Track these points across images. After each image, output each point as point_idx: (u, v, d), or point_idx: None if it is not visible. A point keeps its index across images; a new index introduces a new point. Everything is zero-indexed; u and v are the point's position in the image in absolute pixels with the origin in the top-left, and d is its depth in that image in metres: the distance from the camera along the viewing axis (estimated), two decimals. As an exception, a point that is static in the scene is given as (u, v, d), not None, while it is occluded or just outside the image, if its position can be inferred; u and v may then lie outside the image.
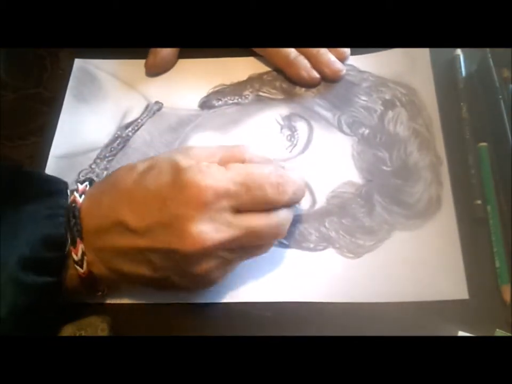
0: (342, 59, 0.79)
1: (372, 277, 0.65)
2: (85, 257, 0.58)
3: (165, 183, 0.57)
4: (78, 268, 0.58)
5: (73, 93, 0.81)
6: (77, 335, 0.57)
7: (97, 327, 0.59)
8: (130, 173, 0.60)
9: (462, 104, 0.73)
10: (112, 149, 0.76)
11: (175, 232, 0.55)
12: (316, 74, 0.78)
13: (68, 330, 0.58)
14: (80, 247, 0.58)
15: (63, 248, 0.58)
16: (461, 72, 0.76)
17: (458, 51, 0.78)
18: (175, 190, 0.56)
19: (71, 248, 0.58)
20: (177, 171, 0.57)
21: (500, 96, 0.71)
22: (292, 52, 0.78)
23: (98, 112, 0.80)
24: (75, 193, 0.61)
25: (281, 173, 0.61)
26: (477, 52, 0.76)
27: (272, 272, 0.66)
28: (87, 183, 0.63)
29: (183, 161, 0.58)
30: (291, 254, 0.67)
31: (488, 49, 0.75)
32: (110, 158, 0.75)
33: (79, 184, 0.62)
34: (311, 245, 0.68)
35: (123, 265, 0.58)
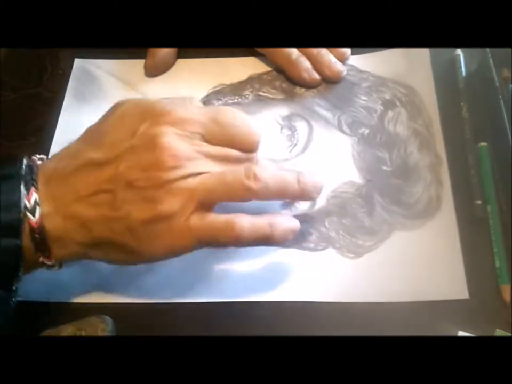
0: (343, 60, 0.80)
1: (372, 277, 0.65)
2: (39, 207, 0.56)
3: (133, 117, 0.58)
4: (30, 216, 0.55)
5: (73, 93, 0.81)
6: (77, 335, 0.58)
7: (97, 327, 0.59)
8: (93, 124, 0.62)
9: (462, 104, 0.73)
10: None
11: (144, 149, 0.56)
12: (316, 76, 0.78)
13: (68, 330, 0.58)
14: (34, 195, 0.56)
15: (19, 209, 0.56)
16: (461, 72, 0.76)
17: (458, 51, 0.78)
18: (144, 117, 0.58)
19: (25, 196, 0.56)
20: (143, 104, 0.60)
21: (500, 96, 0.71)
22: (294, 52, 0.78)
23: (98, 112, 0.77)
24: (33, 157, 0.60)
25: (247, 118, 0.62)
26: (477, 52, 0.77)
27: (272, 272, 0.67)
28: (44, 156, 0.63)
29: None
30: (291, 254, 0.67)
31: (488, 49, 0.75)
32: None
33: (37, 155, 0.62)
34: (311, 245, 0.68)
35: (82, 209, 0.57)
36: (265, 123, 0.77)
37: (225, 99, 0.80)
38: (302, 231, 0.68)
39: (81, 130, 0.75)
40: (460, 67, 0.77)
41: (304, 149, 0.74)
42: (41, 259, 0.58)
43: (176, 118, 0.57)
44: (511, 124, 0.69)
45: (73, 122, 0.79)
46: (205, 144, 0.58)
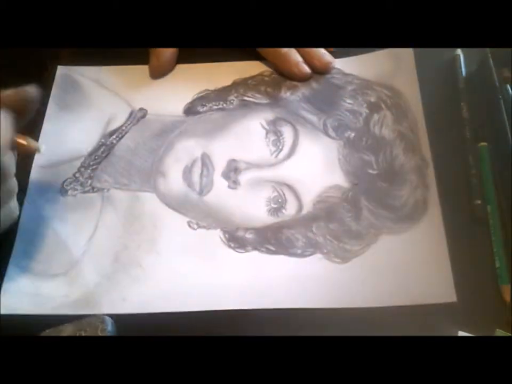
0: (332, 50, 0.87)
1: (360, 282, 0.71)
2: None
3: None
4: None
5: (56, 101, 0.88)
6: (77, 335, 0.64)
7: (97, 327, 0.65)
8: None
9: (462, 104, 0.80)
10: (96, 157, 0.83)
11: None
12: (306, 70, 0.86)
13: (68, 330, 0.65)
14: None
15: None
16: (461, 72, 0.83)
17: (458, 51, 0.85)
18: None
19: None
20: None
21: (500, 96, 0.77)
22: None
23: (82, 119, 0.87)
24: None
25: None
26: (477, 52, 0.83)
27: (260, 279, 0.73)
28: None
29: None
30: (278, 260, 0.74)
31: (488, 49, 0.82)
32: (94, 167, 0.82)
33: None
34: (298, 251, 0.74)
35: None
36: (250, 128, 0.84)
37: (210, 105, 0.87)
38: (289, 236, 0.75)
39: (64, 138, 0.84)
40: (460, 67, 0.84)
41: (290, 153, 0.81)
42: None
43: None
44: (511, 124, 0.75)
45: (56, 130, 0.86)
46: None
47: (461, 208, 0.75)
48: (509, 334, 0.65)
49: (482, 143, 0.77)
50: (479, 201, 0.74)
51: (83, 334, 0.65)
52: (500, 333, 0.65)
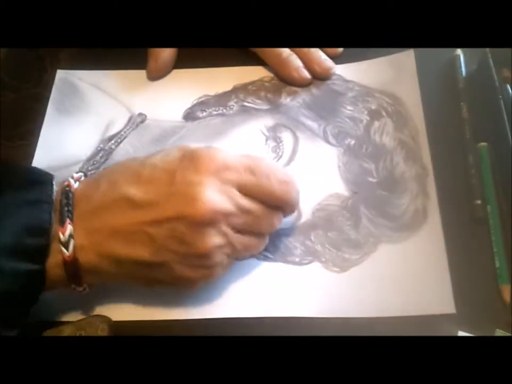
0: (333, 55, 0.89)
1: (358, 291, 0.72)
2: (73, 240, 0.63)
3: (174, 159, 0.66)
4: (63, 250, 0.63)
5: (55, 106, 0.90)
6: (77, 335, 0.65)
7: (97, 327, 0.67)
8: (134, 159, 0.69)
9: (462, 104, 0.82)
10: (95, 162, 0.85)
11: (185, 198, 0.63)
12: (307, 75, 0.88)
13: (68, 330, 0.66)
14: (69, 228, 0.63)
15: (47, 235, 0.63)
16: (461, 72, 0.85)
17: (458, 51, 0.87)
18: (185, 162, 0.65)
19: (59, 228, 0.64)
20: (186, 148, 0.67)
21: (500, 96, 0.78)
22: (284, 51, 0.87)
23: (81, 124, 0.89)
24: (70, 179, 0.68)
25: (288, 174, 0.70)
26: (477, 52, 0.85)
27: (257, 287, 0.74)
28: (81, 173, 0.70)
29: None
30: (276, 268, 0.75)
31: (488, 49, 0.83)
32: (92, 172, 0.83)
33: (74, 173, 0.70)
34: (297, 259, 0.75)
35: (118, 246, 0.64)
36: (250, 134, 0.86)
37: (210, 110, 0.89)
38: (287, 244, 0.76)
39: (63, 143, 0.85)
40: (460, 67, 0.86)
41: (290, 160, 0.83)
42: (72, 286, 0.67)
43: (216, 165, 0.64)
44: (511, 124, 0.76)
45: (55, 135, 0.88)
46: (239, 195, 0.66)
47: (460, 208, 0.76)
48: (509, 334, 0.67)
49: (482, 143, 0.79)
50: (479, 201, 0.75)
51: (83, 334, 0.66)
52: (499, 333, 0.67)
